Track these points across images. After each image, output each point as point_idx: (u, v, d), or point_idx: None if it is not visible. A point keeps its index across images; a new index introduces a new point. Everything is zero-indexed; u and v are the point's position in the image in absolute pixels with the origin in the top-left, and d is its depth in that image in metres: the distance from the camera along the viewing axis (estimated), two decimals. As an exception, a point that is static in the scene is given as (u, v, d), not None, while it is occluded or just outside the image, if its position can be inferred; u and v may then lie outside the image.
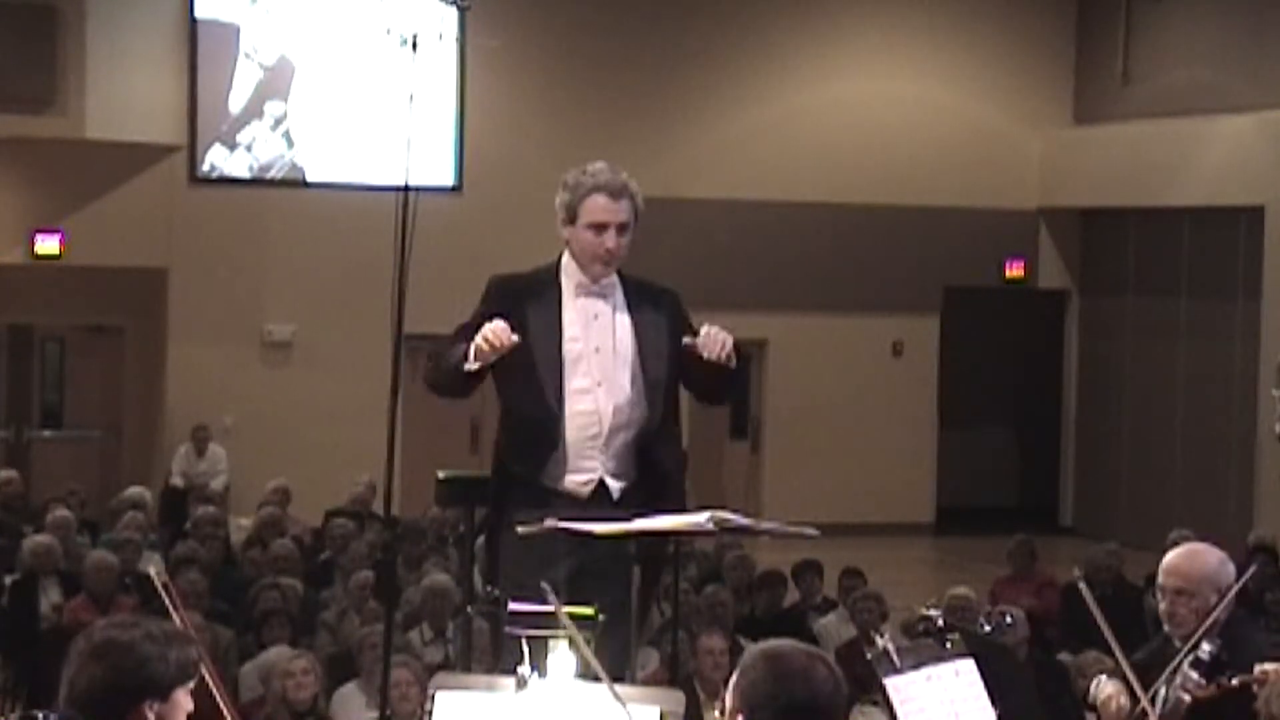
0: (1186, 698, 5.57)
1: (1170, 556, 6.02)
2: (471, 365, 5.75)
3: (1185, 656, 5.69)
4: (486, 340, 5.68)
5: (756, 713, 3.76)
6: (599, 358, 5.95)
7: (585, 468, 5.91)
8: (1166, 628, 5.95)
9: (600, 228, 5.90)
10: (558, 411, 5.88)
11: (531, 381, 5.87)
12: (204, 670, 4.01)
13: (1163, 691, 5.71)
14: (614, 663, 4.96)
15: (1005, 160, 21.15)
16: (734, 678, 3.84)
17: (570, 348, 5.93)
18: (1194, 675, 5.56)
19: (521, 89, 19.67)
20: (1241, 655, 5.65)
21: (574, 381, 5.92)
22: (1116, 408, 20.97)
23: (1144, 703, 5.58)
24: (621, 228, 5.93)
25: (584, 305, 5.98)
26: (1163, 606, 5.97)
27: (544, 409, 5.87)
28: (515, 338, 5.72)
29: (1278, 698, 5.16)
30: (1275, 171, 18.09)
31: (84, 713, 3.76)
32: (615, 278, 6.04)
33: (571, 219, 5.95)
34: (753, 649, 3.94)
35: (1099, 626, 5.65)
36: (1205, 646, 5.65)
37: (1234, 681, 5.45)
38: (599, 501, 5.87)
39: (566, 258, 6.02)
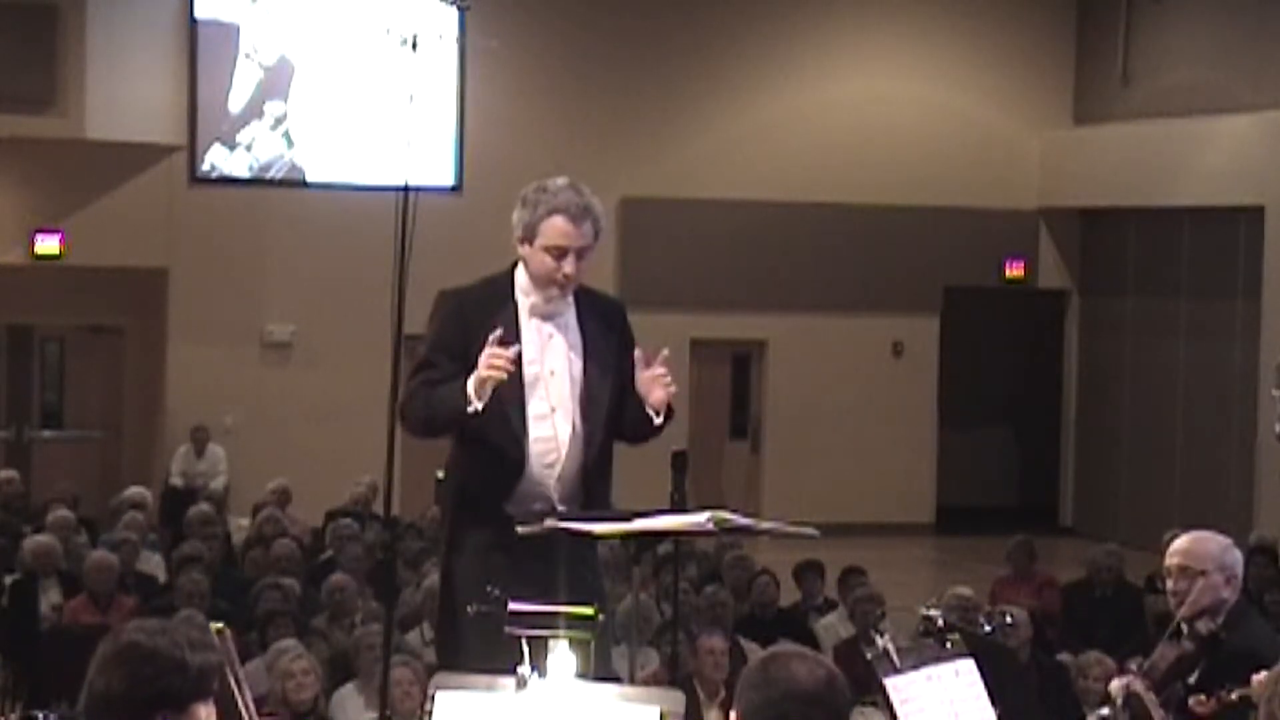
0: (1172, 653, 5.63)
1: (1177, 541, 6.12)
2: (477, 405, 5.55)
3: (1172, 632, 5.74)
4: (489, 373, 5.48)
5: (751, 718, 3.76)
6: (554, 381, 5.76)
7: (540, 494, 5.73)
8: (1172, 607, 6.02)
9: (559, 252, 5.65)
10: (522, 439, 5.70)
11: (495, 407, 5.60)
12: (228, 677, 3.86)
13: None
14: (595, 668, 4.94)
15: (1005, 160, 21.15)
16: (737, 687, 3.84)
17: (528, 370, 5.71)
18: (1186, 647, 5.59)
19: (521, 89, 19.67)
20: (1239, 636, 5.72)
21: (531, 406, 5.73)
22: (1116, 408, 20.97)
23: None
24: (581, 253, 5.67)
25: (539, 325, 5.77)
26: (1170, 585, 6.05)
27: (509, 436, 5.68)
28: (517, 348, 5.55)
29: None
30: (1275, 171, 18.08)
31: (101, 718, 3.65)
32: None
33: (529, 238, 5.68)
34: (754, 658, 3.93)
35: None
36: (1202, 625, 5.71)
37: (1233, 696, 5.47)
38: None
39: (521, 272, 5.79)
